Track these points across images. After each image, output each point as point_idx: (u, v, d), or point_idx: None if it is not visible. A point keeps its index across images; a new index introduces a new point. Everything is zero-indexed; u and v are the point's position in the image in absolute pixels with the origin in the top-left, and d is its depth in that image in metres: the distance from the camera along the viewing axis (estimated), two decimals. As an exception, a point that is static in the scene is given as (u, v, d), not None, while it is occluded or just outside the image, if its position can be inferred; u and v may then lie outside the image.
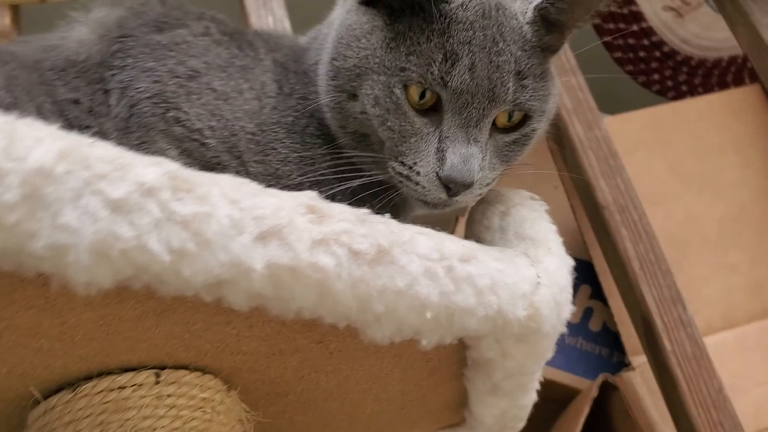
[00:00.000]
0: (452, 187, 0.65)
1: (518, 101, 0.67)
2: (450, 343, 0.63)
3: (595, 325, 1.42)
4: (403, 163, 0.66)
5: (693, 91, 1.75)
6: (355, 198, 0.68)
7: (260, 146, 0.68)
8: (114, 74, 0.69)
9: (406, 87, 0.66)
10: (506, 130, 0.69)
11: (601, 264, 1.32)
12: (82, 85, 0.69)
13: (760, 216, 1.35)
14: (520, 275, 0.62)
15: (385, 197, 0.69)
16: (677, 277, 1.16)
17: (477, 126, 0.66)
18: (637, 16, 1.65)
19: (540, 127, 0.72)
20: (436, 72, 0.64)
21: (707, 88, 1.74)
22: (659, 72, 1.73)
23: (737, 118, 1.40)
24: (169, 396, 0.59)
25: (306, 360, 0.66)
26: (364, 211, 0.55)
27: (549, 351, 0.70)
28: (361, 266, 0.52)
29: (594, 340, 1.40)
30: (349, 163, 0.70)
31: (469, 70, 0.64)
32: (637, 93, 1.77)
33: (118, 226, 0.42)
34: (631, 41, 1.68)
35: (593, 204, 1.23)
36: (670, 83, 1.75)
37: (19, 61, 0.69)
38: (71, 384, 0.59)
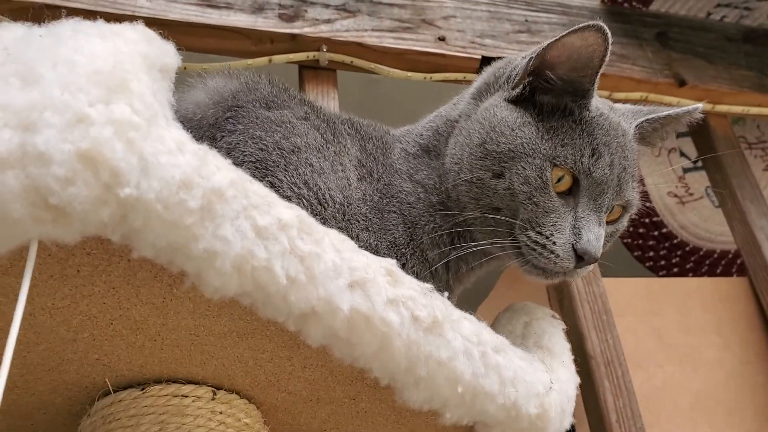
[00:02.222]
0: (585, 257, 0.77)
1: (630, 198, 0.85)
2: (466, 425, 0.72)
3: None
4: (540, 233, 0.78)
5: (683, 275, 1.89)
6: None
7: (346, 216, 0.79)
8: (224, 136, 0.80)
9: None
10: (608, 223, 0.84)
11: (580, 414, 1.40)
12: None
13: (732, 397, 1.45)
14: (537, 377, 0.72)
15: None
16: (649, 438, 1.25)
17: (603, 213, 0.81)
18: (643, 195, 1.81)
19: (626, 224, 0.88)
20: (586, 162, 0.79)
21: (696, 275, 1.89)
22: (655, 250, 1.88)
23: (723, 304, 1.53)
24: (221, 413, 0.67)
25: (334, 413, 0.74)
26: (428, 286, 0.66)
27: (545, 457, 0.78)
28: (418, 331, 0.62)
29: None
30: (457, 233, 0.84)
31: (609, 166, 0.81)
32: (629, 264, 1.91)
33: (257, 247, 0.52)
34: (634, 217, 1.84)
35: (582, 353, 1.33)
36: (663, 263, 1.89)
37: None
38: (140, 384, 0.67)
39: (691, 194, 1.87)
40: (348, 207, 0.80)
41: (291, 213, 0.56)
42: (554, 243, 0.78)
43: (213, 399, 0.67)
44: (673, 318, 1.49)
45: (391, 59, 1.48)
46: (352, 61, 1.46)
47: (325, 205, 0.77)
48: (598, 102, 0.87)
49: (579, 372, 1.34)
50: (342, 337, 0.59)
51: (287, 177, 0.77)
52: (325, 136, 0.84)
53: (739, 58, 1.74)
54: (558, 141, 0.80)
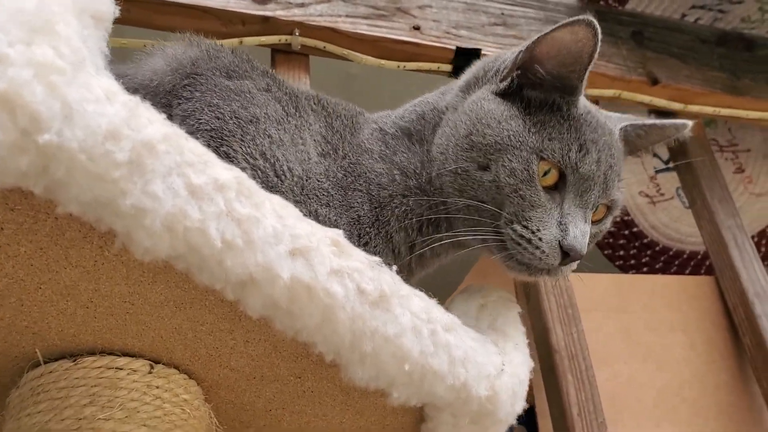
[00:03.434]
0: (571, 254, 0.76)
1: (615, 197, 0.84)
2: (414, 406, 0.70)
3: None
4: (526, 227, 0.76)
5: (652, 274, 1.88)
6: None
7: (304, 190, 0.77)
8: (180, 103, 0.78)
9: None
10: (593, 222, 0.83)
11: (542, 406, 1.39)
12: None
13: (696, 396, 1.44)
14: (489, 359, 0.70)
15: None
16: (610, 432, 1.24)
17: (589, 210, 0.80)
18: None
19: (609, 225, 0.88)
20: (573, 157, 0.78)
21: (666, 275, 1.88)
22: (625, 249, 1.87)
23: (689, 302, 1.52)
24: (157, 387, 0.64)
25: (280, 392, 0.72)
26: (376, 259, 0.63)
27: (496, 442, 0.76)
28: (364, 305, 0.60)
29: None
30: (430, 219, 0.84)
31: (596, 162, 0.80)
32: (598, 262, 1.90)
33: (190, 207, 0.50)
34: (605, 216, 1.83)
35: (546, 346, 1.31)
36: (633, 262, 1.89)
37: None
38: (73, 355, 0.64)
39: (662, 194, 1.86)
40: (307, 181, 0.78)
41: (229, 174, 0.53)
42: (540, 239, 0.76)
43: (149, 373, 0.65)
44: (640, 315, 1.48)
45: (364, 46, 1.46)
46: (325, 47, 1.43)
47: (282, 177, 0.76)
48: (585, 101, 0.86)
49: (543, 365, 1.35)
50: (283, 308, 0.57)
51: (242, 147, 0.75)
52: (286, 108, 0.82)
53: (712, 59, 1.74)
54: (545, 135, 0.79)
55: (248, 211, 0.53)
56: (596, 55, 0.79)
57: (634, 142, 0.91)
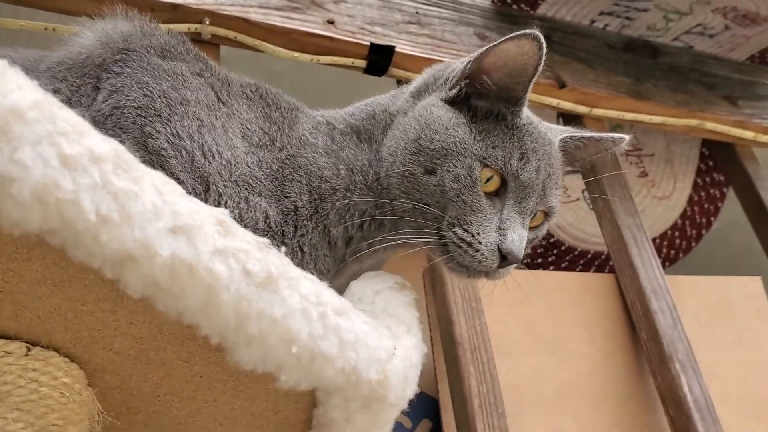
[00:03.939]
0: (509, 258, 0.79)
1: (552, 205, 0.87)
2: (304, 390, 0.70)
3: (432, 459, 1.48)
4: (467, 231, 0.79)
5: (558, 273, 1.94)
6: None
7: (233, 176, 0.77)
8: (109, 77, 0.77)
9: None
10: (530, 228, 0.85)
11: (446, 400, 1.41)
12: (70, 77, 0.76)
13: (595, 390, 1.49)
14: (380, 342, 0.71)
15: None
16: (510, 424, 1.26)
17: (527, 216, 0.83)
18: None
19: (545, 231, 0.91)
20: (515, 165, 0.81)
21: (570, 274, 1.95)
22: (533, 248, 1.92)
23: (590, 299, 1.58)
24: (34, 370, 0.62)
25: (167, 377, 0.70)
26: (264, 240, 0.63)
27: (388, 426, 0.77)
28: (249, 286, 0.60)
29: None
30: (374, 219, 0.86)
31: (536, 171, 0.83)
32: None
33: (63, 178, 0.48)
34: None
35: (450, 339, 1.34)
36: (540, 260, 1.94)
37: (17, 57, 0.77)
38: (-58, 337, 0.61)
39: (568, 195, 1.92)
40: (235, 166, 0.77)
41: (107, 146, 0.52)
42: (480, 242, 0.79)
43: (26, 355, 0.62)
44: (542, 309, 1.53)
45: (277, 38, 1.45)
46: (236, 37, 1.42)
47: (210, 158, 0.75)
48: (528, 112, 0.89)
49: (447, 357, 1.36)
50: (164, 288, 0.56)
51: (167, 128, 0.74)
52: (219, 95, 0.82)
53: (618, 65, 1.81)
54: (489, 143, 0.82)
55: (126, 184, 0.52)
56: (540, 68, 0.82)
57: (573, 153, 0.95)
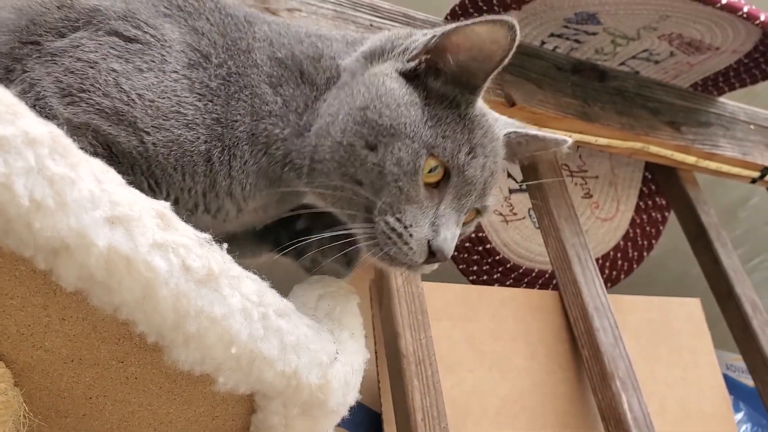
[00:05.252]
0: (437, 256, 0.76)
1: (488, 204, 0.84)
2: (242, 394, 0.68)
3: (372, 474, 1.46)
4: (399, 221, 0.75)
5: (503, 290, 1.95)
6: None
7: (161, 111, 0.73)
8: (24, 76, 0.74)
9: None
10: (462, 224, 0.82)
11: (389, 414, 1.40)
12: None
13: (535, 405, 1.50)
14: (322, 346, 0.69)
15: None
16: (453, 439, 1.26)
17: (463, 215, 0.80)
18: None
19: (473, 229, 0.88)
20: (462, 159, 0.78)
21: (516, 291, 1.96)
22: (479, 265, 1.93)
23: (533, 315, 1.59)
24: (-45, 367, 0.59)
25: (100, 378, 0.67)
26: (205, 236, 0.61)
27: (328, 433, 0.75)
28: (189, 282, 0.58)
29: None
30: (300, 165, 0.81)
31: (481, 168, 0.80)
32: (451, 275, 1.94)
33: (-7, 159, 0.46)
34: (462, 231, 1.89)
35: (395, 351, 1.33)
36: (485, 277, 1.95)
37: None
38: None
39: (515, 214, 1.94)
40: (162, 100, 0.74)
41: (43, 128, 0.50)
42: (411, 235, 0.76)
43: (-53, 351, 0.59)
44: (487, 325, 1.53)
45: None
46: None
47: (132, 104, 0.72)
48: (481, 103, 0.86)
49: (391, 370, 1.36)
50: (99, 280, 0.54)
51: (87, 100, 0.71)
52: (124, 34, 0.77)
53: (566, 86, 1.85)
54: (440, 131, 0.78)
55: (62, 170, 0.50)
56: (507, 61, 0.79)
57: (515, 149, 0.92)
